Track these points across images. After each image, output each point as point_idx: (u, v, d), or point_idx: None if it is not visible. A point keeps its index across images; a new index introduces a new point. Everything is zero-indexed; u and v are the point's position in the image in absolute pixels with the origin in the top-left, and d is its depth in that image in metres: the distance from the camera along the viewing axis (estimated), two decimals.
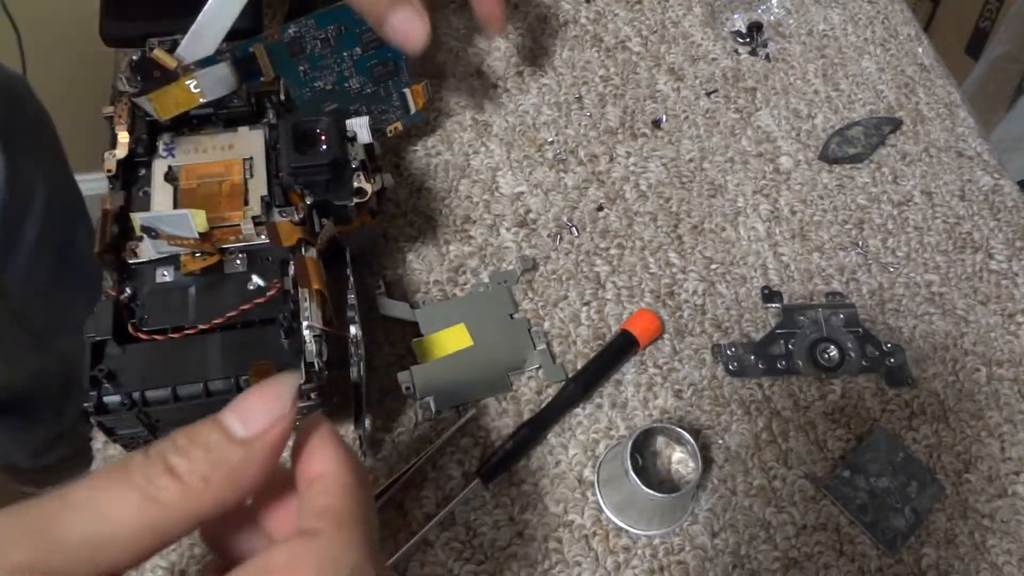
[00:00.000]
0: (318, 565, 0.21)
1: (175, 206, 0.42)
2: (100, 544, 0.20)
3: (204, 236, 0.39)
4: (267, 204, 0.42)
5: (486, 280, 0.52)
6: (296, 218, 0.42)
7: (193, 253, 0.40)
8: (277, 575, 0.21)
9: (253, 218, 0.41)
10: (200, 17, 0.41)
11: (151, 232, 0.39)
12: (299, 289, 0.39)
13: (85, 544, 0.20)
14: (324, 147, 0.43)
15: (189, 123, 0.45)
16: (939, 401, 0.51)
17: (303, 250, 0.41)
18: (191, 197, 0.43)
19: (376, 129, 0.47)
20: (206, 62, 0.43)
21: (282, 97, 0.47)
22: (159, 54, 0.42)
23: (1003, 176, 0.62)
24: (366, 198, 0.43)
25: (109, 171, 0.42)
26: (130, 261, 0.41)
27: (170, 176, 0.43)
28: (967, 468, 0.49)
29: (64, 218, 0.79)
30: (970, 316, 0.55)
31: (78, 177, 0.84)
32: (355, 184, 0.43)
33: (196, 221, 0.39)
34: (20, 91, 0.75)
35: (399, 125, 0.54)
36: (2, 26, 0.97)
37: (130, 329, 0.39)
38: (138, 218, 0.39)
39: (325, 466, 0.23)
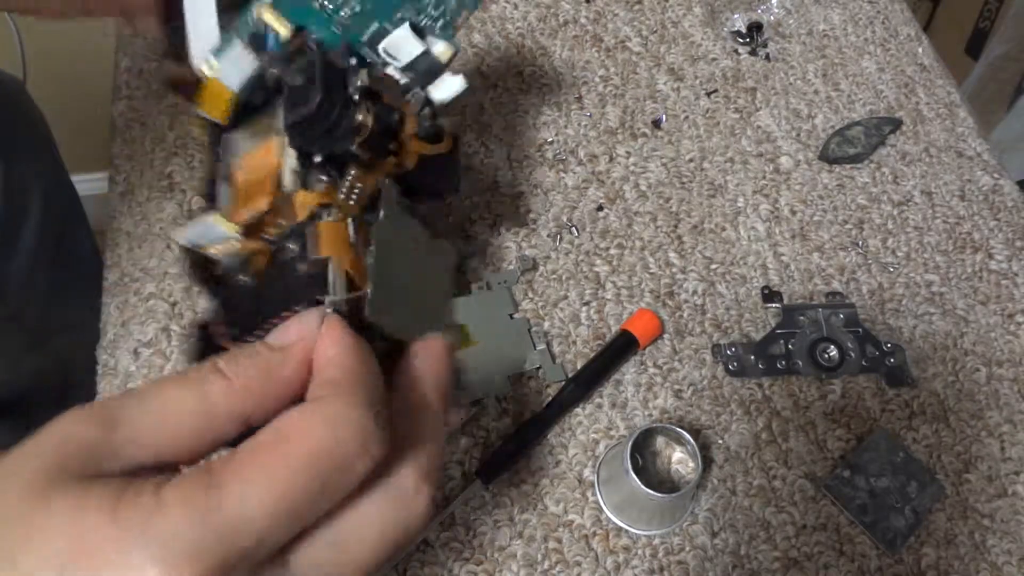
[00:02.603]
0: (323, 421, 0.23)
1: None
2: (160, 434, 0.22)
3: (249, 232, 0.36)
4: (295, 175, 0.38)
5: (486, 280, 0.52)
6: (321, 182, 0.37)
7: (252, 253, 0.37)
8: (288, 432, 0.23)
9: (276, 198, 0.37)
10: (186, 14, 0.40)
11: (196, 248, 0.37)
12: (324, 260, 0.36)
13: (147, 431, 0.22)
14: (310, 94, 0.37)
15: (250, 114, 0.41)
16: (939, 401, 0.51)
17: (323, 216, 0.36)
18: (243, 192, 0.40)
19: (443, 26, 0.41)
20: (220, 51, 0.40)
21: (312, 46, 0.40)
22: (174, 72, 0.40)
23: (1003, 176, 0.62)
24: (366, 134, 0.38)
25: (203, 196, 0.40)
26: (216, 274, 0.37)
27: (224, 174, 0.40)
28: (967, 468, 0.49)
29: (62, 219, 0.79)
30: (970, 316, 0.55)
31: (76, 178, 0.84)
32: (357, 119, 0.38)
33: (222, 225, 0.36)
34: (15, 93, 0.75)
35: (467, 13, 0.45)
36: (2, 27, 0.97)
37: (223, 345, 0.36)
38: (178, 240, 0.38)
39: (331, 349, 0.26)
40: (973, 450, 0.50)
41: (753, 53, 0.66)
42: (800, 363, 0.50)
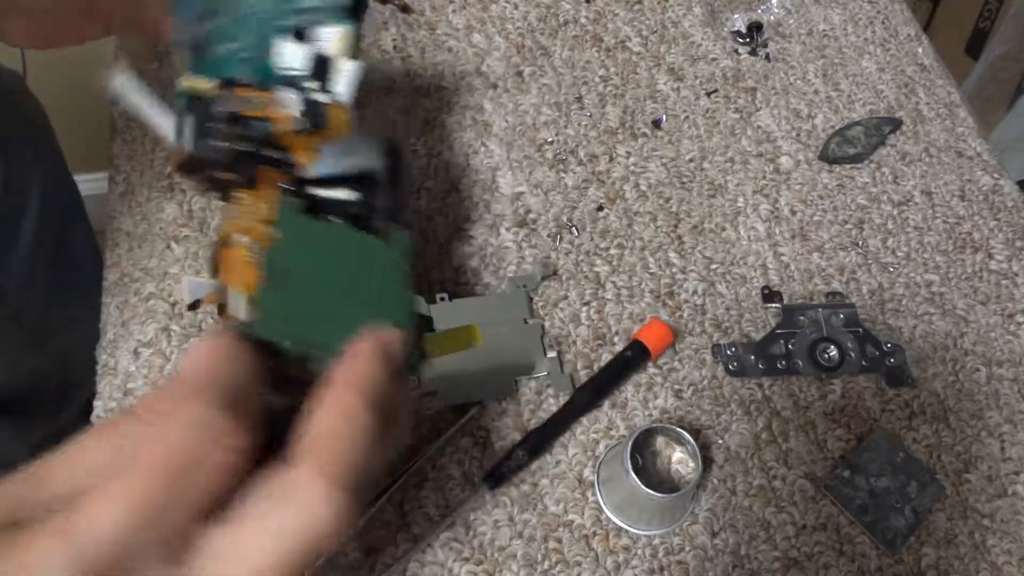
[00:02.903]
0: (166, 422, 0.24)
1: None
2: (78, 478, 0.24)
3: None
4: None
5: (505, 283, 0.52)
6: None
7: None
8: (135, 445, 0.24)
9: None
10: (137, 111, 0.39)
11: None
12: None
13: (67, 478, 0.24)
14: None
15: None
16: (939, 401, 0.51)
17: (235, 241, 0.37)
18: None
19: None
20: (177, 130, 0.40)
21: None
22: (175, 156, 0.40)
23: (1003, 176, 0.62)
24: (230, 157, 0.37)
25: None
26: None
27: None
28: (967, 468, 0.49)
29: (62, 218, 0.79)
30: (970, 316, 0.55)
31: (77, 177, 0.84)
32: (219, 146, 0.37)
33: (204, 279, 0.37)
34: (16, 89, 0.75)
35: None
36: None
37: None
38: (187, 300, 0.38)
39: (194, 356, 0.26)
40: (973, 450, 0.50)
41: (753, 53, 0.66)
42: (800, 363, 0.50)
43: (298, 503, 0.24)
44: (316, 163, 0.39)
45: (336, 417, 0.26)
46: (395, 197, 0.42)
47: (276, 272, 0.32)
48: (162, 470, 0.23)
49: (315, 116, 0.39)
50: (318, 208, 0.40)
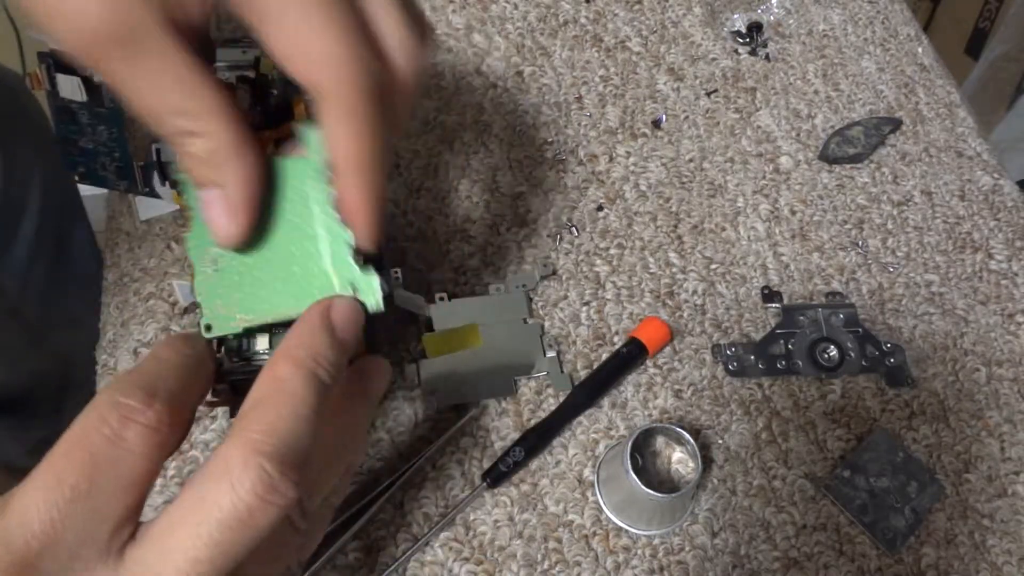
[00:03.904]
0: (83, 413, 0.24)
1: None
2: None
3: None
4: None
5: (505, 283, 0.52)
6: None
7: None
8: (63, 438, 0.24)
9: None
10: None
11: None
12: None
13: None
14: None
15: None
16: (939, 401, 0.51)
17: None
18: None
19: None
20: None
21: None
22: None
23: (1003, 176, 0.62)
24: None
25: None
26: None
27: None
28: (967, 468, 0.49)
29: (61, 217, 0.79)
30: (970, 316, 0.55)
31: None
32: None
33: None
34: (16, 89, 0.75)
35: None
36: (2, 26, 0.97)
37: None
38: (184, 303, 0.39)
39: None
40: (973, 450, 0.50)
41: (753, 53, 0.66)
42: (800, 363, 0.50)
43: (219, 476, 0.23)
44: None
45: (266, 388, 0.25)
46: None
47: (203, 260, 0.30)
48: (76, 449, 0.23)
49: (276, 110, 0.38)
50: None
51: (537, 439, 0.46)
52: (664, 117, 0.61)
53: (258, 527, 0.23)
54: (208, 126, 0.26)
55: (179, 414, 0.25)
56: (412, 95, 0.29)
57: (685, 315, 0.53)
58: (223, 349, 0.31)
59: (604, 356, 0.50)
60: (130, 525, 0.24)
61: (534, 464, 0.47)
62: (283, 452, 0.23)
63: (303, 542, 0.28)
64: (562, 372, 0.49)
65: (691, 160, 0.60)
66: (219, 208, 0.27)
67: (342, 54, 0.26)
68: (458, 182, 0.56)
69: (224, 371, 0.31)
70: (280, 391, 0.25)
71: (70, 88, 0.43)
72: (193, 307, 0.37)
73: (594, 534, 0.45)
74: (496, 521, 0.45)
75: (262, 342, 0.32)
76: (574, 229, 0.55)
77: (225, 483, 0.23)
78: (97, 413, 0.24)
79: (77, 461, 0.23)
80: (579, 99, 0.62)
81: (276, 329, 0.30)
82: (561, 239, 0.55)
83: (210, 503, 0.23)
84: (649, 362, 0.51)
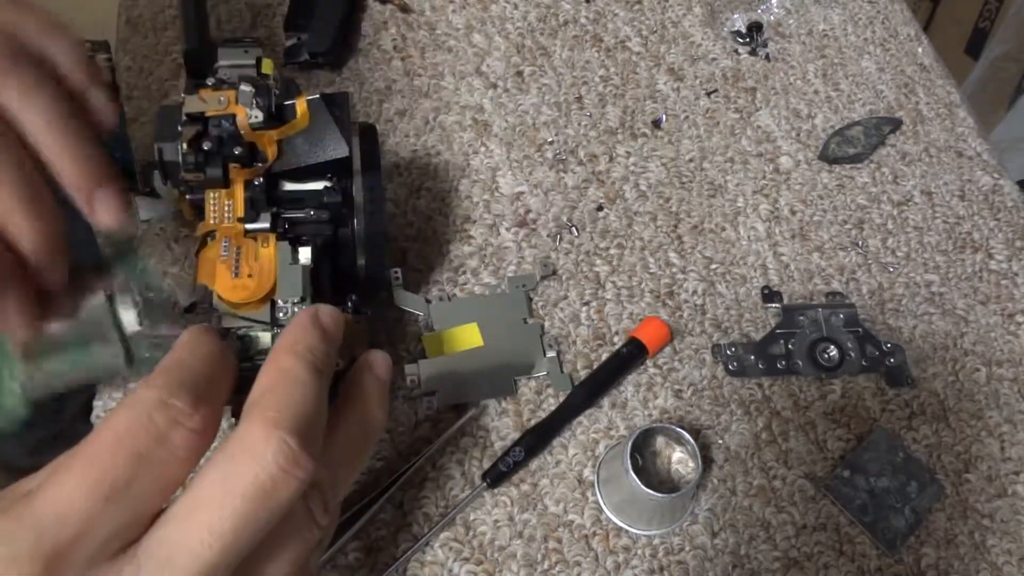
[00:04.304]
0: (129, 408, 0.24)
1: None
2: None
3: None
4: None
5: (505, 283, 0.52)
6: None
7: None
8: (96, 431, 0.24)
9: None
10: None
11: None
12: None
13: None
14: None
15: None
16: (939, 401, 0.51)
17: (208, 242, 0.39)
18: None
19: None
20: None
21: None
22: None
23: (1003, 176, 0.62)
24: (192, 162, 0.38)
25: None
26: None
27: None
28: (967, 468, 0.49)
29: (61, 217, 0.79)
30: (970, 316, 0.55)
31: None
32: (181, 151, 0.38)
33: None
34: None
35: None
36: None
37: None
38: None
39: (175, 350, 0.27)
40: (973, 450, 0.50)
41: (753, 53, 0.66)
42: (800, 363, 0.50)
43: (242, 452, 0.24)
44: (284, 156, 0.39)
45: (273, 375, 0.27)
46: (371, 181, 0.42)
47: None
48: (121, 447, 0.23)
49: (279, 108, 0.39)
50: (292, 203, 0.40)
51: (537, 439, 0.46)
52: (664, 117, 0.61)
53: (280, 500, 0.24)
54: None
55: (217, 416, 0.26)
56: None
57: (685, 315, 0.53)
58: None
59: (604, 356, 0.50)
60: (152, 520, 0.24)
61: (534, 464, 0.47)
62: (300, 428, 0.25)
63: (322, 537, 0.28)
64: (562, 372, 0.49)
65: (691, 160, 0.60)
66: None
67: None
68: (458, 182, 0.56)
69: None
70: (287, 378, 0.27)
71: None
72: (193, 306, 0.37)
73: (594, 534, 0.45)
74: (496, 521, 0.45)
75: (264, 340, 0.34)
76: (574, 229, 0.55)
77: (248, 457, 0.24)
78: (145, 412, 0.24)
79: (122, 459, 0.23)
80: (579, 99, 0.62)
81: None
82: (561, 239, 0.55)
83: (233, 478, 0.24)
84: (649, 362, 0.51)
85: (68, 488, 0.23)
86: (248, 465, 0.24)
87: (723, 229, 0.57)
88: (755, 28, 0.66)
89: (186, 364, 0.26)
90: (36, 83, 0.29)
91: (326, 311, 0.31)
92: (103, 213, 0.31)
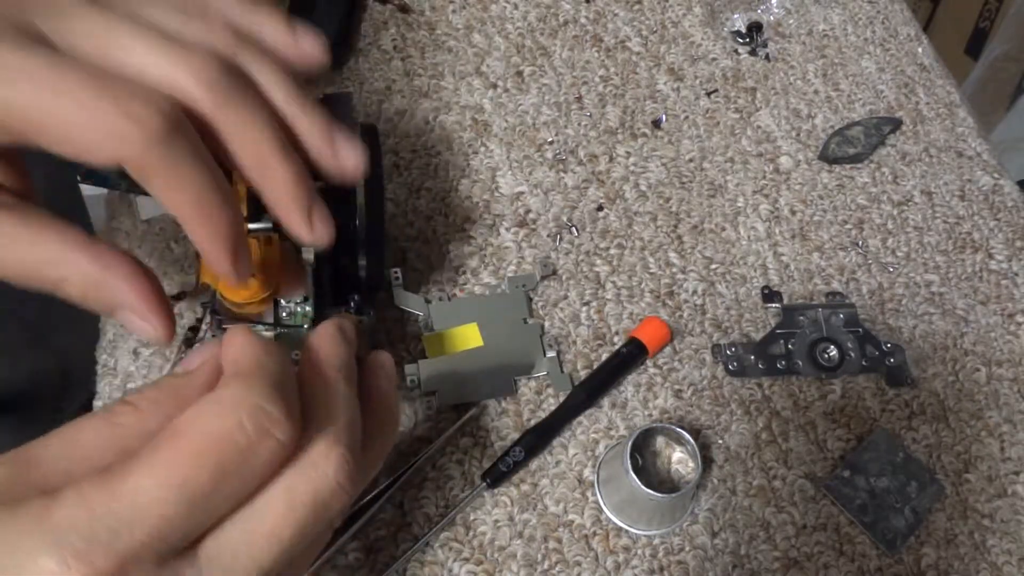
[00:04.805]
0: (217, 408, 0.23)
1: None
2: (71, 459, 0.23)
3: None
4: None
5: (505, 283, 0.52)
6: None
7: None
8: (182, 424, 0.23)
9: None
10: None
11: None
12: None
13: (58, 461, 0.23)
14: None
15: None
16: (939, 401, 0.51)
17: None
18: None
19: None
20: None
21: None
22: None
23: (1003, 176, 0.62)
24: None
25: None
26: None
27: None
28: (967, 468, 0.49)
29: (61, 212, 0.79)
30: (970, 316, 0.55)
31: None
32: None
33: None
34: None
35: None
36: None
37: None
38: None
39: (232, 350, 0.26)
40: (973, 450, 0.50)
41: (753, 53, 0.66)
42: (800, 363, 0.50)
43: (311, 469, 0.25)
44: None
45: (332, 395, 0.28)
46: (371, 181, 0.42)
47: None
48: (212, 455, 0.23)
49: None
50: None
51: (537, 439, 0.46)
52: (664, 117, 0.61)
53: (333, 512, 0.25)
54: (71, 267, 0.27)
55: (299, 429, 0.25)
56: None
57: (685, 315, 0.53)
58: None
59: (604, 356, 0.50)
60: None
61: (534, 464, 0.47)
62: (354, 444, 0.27)
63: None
64: (562, 372, 0.49)
65: (691, 160, 0.60)
66: (135, 322, 0.28)
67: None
68: (458, 182, 0.56)
69: None
70: (336, 394, 0.28)
71: None
72: (183, 295, 0.38)
73: (594, 534, 0.45)
74: (496, 521, 0.45)
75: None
76: (574, 229, 0.55)
77: (311, 470, 0.25)
78: (237, 416, 0.23)
79: (207, 467, 0.22)
80: (579, 99, 0.62)
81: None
82: (561, 239, 0.55)
83: (296, 489, 0.24)
84: (649, 362, 0.51)
85: (148, 483, 0.22)
86: (310, 478, 0.25)
87: (723, 229, 0.57)
88: (755, 28, 0.66)
89: (273, 363, 0.26)
90: (254, 110, 0.29)
91: (347, 324, 0.32)
92: (320, 228, 0.31)
